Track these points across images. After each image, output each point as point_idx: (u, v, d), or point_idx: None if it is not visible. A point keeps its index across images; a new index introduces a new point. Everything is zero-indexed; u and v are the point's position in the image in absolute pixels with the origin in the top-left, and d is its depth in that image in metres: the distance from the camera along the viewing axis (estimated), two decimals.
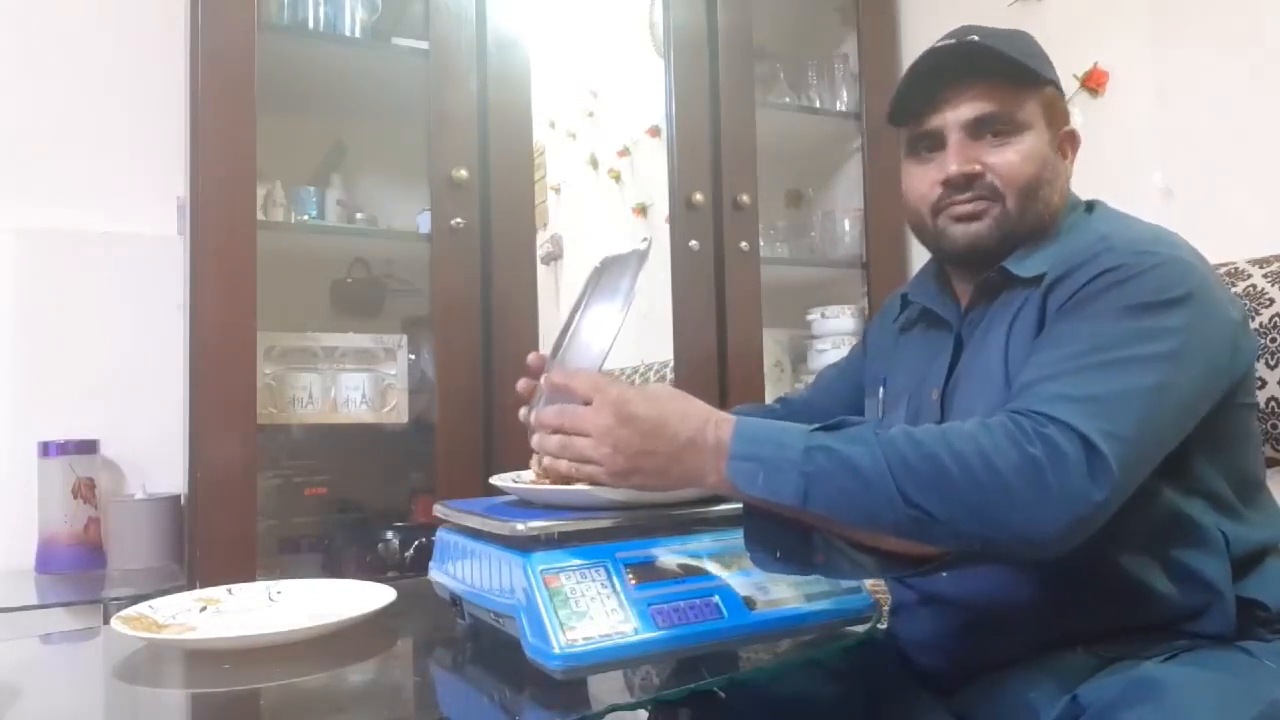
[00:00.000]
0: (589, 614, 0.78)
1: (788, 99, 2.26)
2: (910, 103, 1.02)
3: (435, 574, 0.99)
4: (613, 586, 0.80)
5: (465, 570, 0.92)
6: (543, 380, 0.91)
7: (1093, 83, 1.81)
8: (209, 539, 1.52)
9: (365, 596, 0.99)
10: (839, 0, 2.35)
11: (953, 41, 0.99)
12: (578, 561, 0.81)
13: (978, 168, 0.97)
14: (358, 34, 1.81)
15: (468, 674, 0.93)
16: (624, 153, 2.53)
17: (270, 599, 1.04)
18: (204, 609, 1.00)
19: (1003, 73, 0.97)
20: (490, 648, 0.91)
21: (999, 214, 0.97)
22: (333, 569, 1.78)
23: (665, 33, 2.02)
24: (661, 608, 0.80)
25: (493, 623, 0.87)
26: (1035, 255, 0.96)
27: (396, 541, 1.72)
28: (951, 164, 0.98)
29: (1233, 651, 0.84)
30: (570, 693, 0.79)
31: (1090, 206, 1.01)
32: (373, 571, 1.69)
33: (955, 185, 0.98)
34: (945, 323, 1.05)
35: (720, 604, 0.83)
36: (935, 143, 1.00)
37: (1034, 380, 0.82)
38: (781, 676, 0.95)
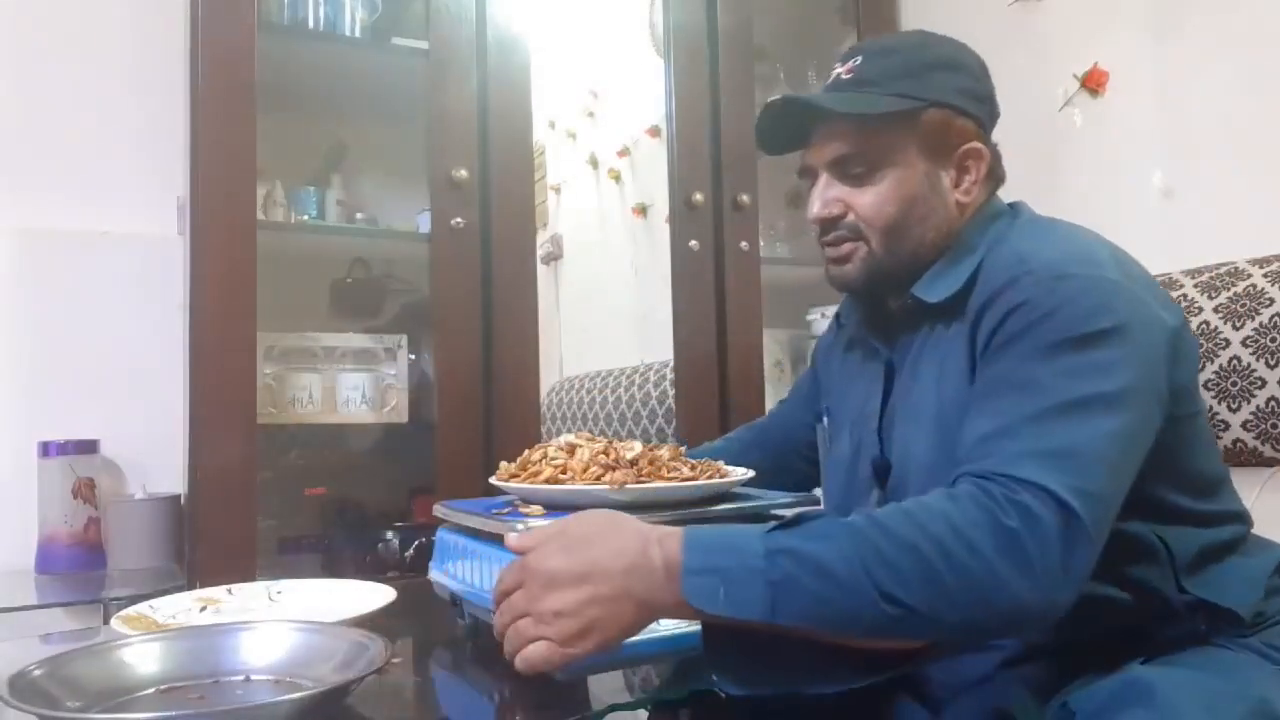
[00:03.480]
0: None
1: None
2: (772, 140, 1.00)
3: (435, 574, 0.99)
4: None
5: (465, 570, 0.92)
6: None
7: (1093, 83, 1.81)
8: (209, 539, 1.52)
9: (365, 596, 0.99)
10: (839, 0, 2.35)
11: (785, 99, 0.96)
12: None
13: (837, 210, 0.96)
14: (358, 34, 1.81)
15: (468, 674, 0.93)
16: (624, 153, 2.54)
17: (270, 599, 1.04)
18: (204, 609, 1.00)
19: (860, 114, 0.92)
20: (490, 648, 0.90)
21: (865, 255, 0.96)
22: (333, 569, 1.77)
23: (665, 33, 2.02)
24: None
25: (493, 623, 0.87)
26: (946, 277, 0.92)
27: (396, 541, 1.72)
28: (812, 206, 0.97)
29: (1216, 650, 0.83)
30: (570, 693, 0.79)
31: (1016, 212, 0.97)
32: (373, 571, 1.68)
33: (820, 227, 0.97)
34: (877, 350, 1.02)
35: None
36: (812, 177, 0.99)
37: (988, 435, 0.77)
38: None
